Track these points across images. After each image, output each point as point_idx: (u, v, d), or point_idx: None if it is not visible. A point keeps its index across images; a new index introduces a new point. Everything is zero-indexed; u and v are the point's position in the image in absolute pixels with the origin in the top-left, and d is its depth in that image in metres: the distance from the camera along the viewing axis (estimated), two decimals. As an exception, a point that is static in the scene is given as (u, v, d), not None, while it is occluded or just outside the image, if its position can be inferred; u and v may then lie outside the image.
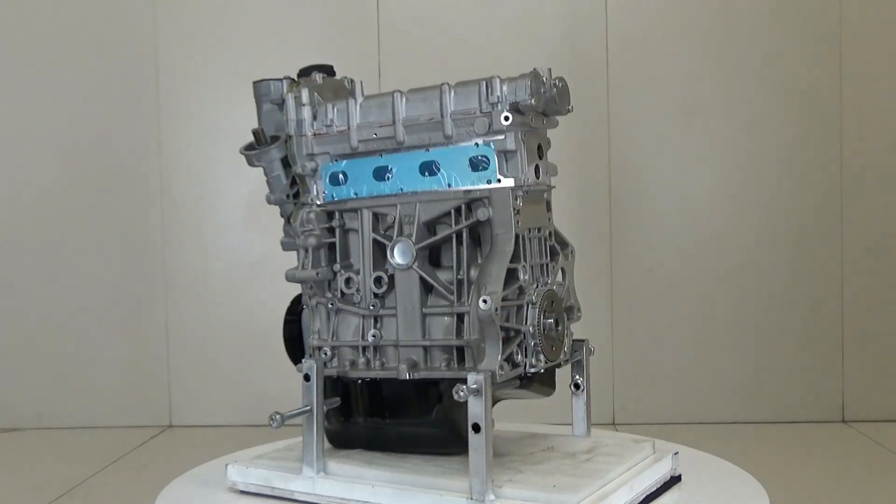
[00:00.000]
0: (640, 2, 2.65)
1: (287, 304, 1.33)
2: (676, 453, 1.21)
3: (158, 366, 2.72)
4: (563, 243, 1.24)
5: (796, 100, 2.62)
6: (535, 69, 1.19)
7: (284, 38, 2.70)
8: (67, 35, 2.71)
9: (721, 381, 2.64)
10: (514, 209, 1.15)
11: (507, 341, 1.12)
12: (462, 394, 1.05)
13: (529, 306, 1.13)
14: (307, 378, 1.20)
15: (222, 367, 2.71)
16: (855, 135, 2.61)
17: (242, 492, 1.22)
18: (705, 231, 2.64)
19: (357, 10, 2.67)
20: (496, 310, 1.09)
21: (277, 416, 1.15)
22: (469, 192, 1.17)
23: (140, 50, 2.70)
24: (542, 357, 1.13)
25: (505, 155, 1.17)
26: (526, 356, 1.13)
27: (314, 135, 1.31)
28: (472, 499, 1.04)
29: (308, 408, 1.19)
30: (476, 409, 1.05)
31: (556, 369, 1.22)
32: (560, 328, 1.17)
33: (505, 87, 1.18)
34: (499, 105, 1.17)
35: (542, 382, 1.21)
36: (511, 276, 1.14)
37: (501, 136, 1.16)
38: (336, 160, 1.29)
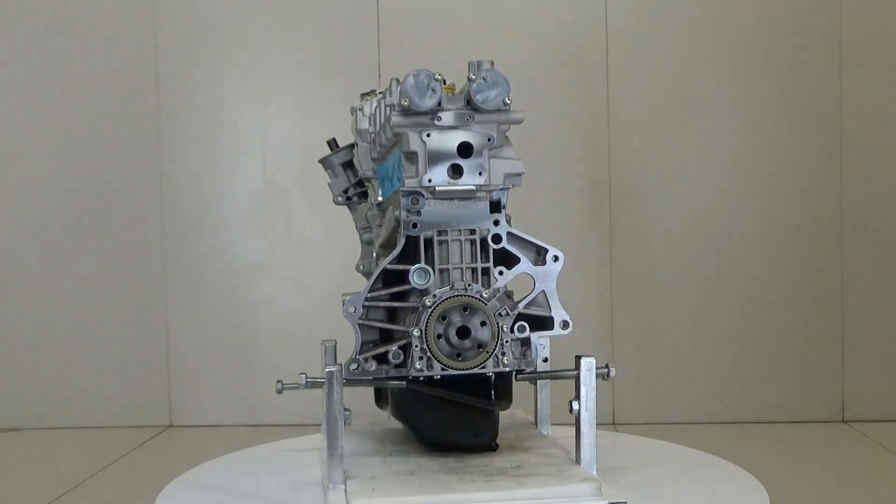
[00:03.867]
0: (640, 1, 2.65)
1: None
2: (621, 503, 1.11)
3: (158, 366, 2.72)
4: (536, 249, 1.19)
5: (796, 99, 2.62)
6: (417, 69, 1.17)
7: (285, 39, 2.70)
8: (67, 35, 2.71)
9: (721, 381, 2.64)
10: (407, 210, 1.15)
11: (383, 341, 1.14)
12: (278, 387, 1.15)
13: (422, 310, 1.12)
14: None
15: (222, 367, 2.71)
16: (855, 135, 2.61)
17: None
18: (705, 231, 2.64)
19: (357, 10, 2.67)
20: (354, 309, 1.12)
21: (279, 384, 1.22)
22: (398, 193, 1.19)
23: (140, 50, 2.70)
24: (434, 364, 1.12)
25: (408, 156, 1.16)
26: (412, 359, 1.13)
27: (372, 140, 1.35)
28: (325, 484, 1.15)
29: (312, 381, 1.26)
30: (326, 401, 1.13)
31: (513, 383, 1.20)
32: (472, 338, 1.13)
33: (397, 89, 1.18)
34: (390, 108, 1.17)
35: (478, 394, 1.18)
36: (398, 277, 1.15)
37: (399, 137, 1.16)
38: (383, 163, 1.33)
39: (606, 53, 2.63)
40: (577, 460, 1.19)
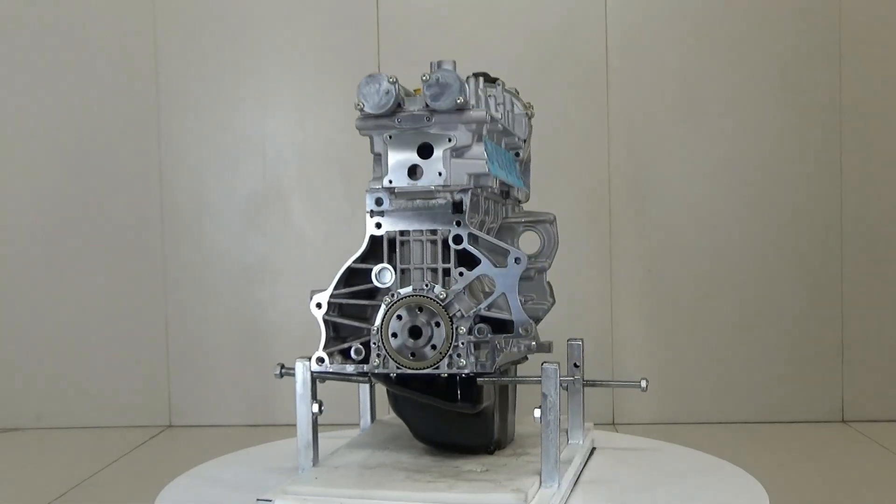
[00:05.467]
0: (640, 1, 2.65)
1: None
2: None
3: (158, 366, 2.72)
4: (499, 252, 1.18)
5: (796, 99, 2.62)
6: (372, 73, 1.19)
7: (285, 38, 2.70)
8: (66, 34, 2.71)
9: (721, 381, 2.64)
10: (370, 211, 1.16)
11: (350, 337, 1.19)
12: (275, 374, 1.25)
13: (380, 308, 1.14)
14: None
15: (222, 367, 2.71)
16: (855, 135, 2.61)
17: None
18: (705, 231, 2.64)
19: (357, 10, 2.67)
20: (318, 305, 1.17)
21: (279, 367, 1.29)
22: None
23: (140, 49, 2.70)
24: (389, 362, 1.13)
25: (376, 157, 1.19)
26: (371, 356, 1.15)
27: None
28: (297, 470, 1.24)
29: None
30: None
31: (480, 387, 1.20)
32: (423, 338, 1.14)
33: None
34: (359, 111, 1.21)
35: (444, 396, 1.19)
36: (360, 275, 1.16)
37: (367, 139, 1.20)
38: None
39: (606, 53, 2.63)
40: (539, 470, 1.17)
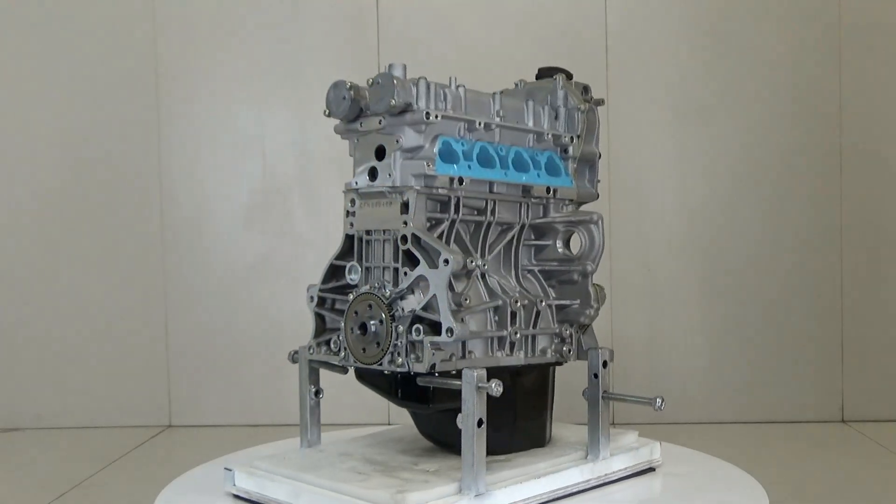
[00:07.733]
0: (640, 1, 2.65)
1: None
2: None
3: (158, 366, 2.72)
4: (435, 252, 1.17)
5: (796, 100, 2.62)
6: (336, 81, 1.24)
7: (285, 40, 2.70)
8: (66, 35, 2.71)
9: (721, 381, 2.64)
10: (345, 211, 1.24)
11: (332, 330, 1.24)
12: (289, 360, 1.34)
13: (349, 305, 1.18)
14: None
15: (222, 367, 2.71)
16: (855, 135, 2.61)
17: None
18: (705, 231, 2.64)
19: (357, 10, 2.67)
20: (311, 298, 1.25)
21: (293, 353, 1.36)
22: None
23: (140, 51, 2.71)
24: (350, 355, 1.15)
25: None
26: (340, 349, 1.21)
27: None
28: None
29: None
30: None
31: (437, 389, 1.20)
32: (368, 334, 1.15)
33: None
34: None
35: (393, 393, 1.19)
36: (340, 271, 1.24)
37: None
38: None
39: (606, 53, 2.63)
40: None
